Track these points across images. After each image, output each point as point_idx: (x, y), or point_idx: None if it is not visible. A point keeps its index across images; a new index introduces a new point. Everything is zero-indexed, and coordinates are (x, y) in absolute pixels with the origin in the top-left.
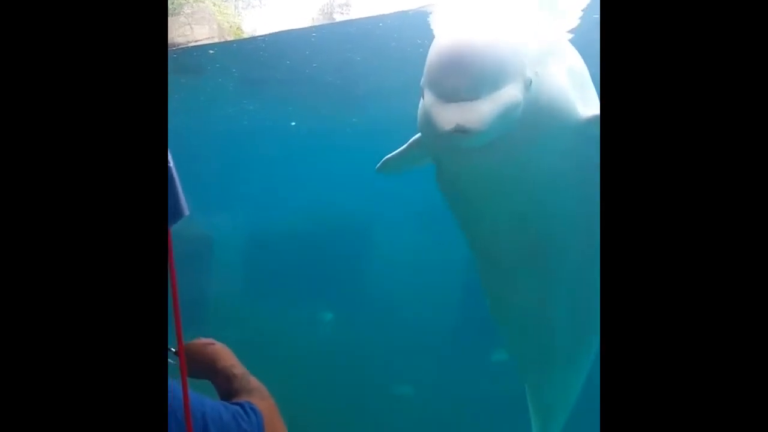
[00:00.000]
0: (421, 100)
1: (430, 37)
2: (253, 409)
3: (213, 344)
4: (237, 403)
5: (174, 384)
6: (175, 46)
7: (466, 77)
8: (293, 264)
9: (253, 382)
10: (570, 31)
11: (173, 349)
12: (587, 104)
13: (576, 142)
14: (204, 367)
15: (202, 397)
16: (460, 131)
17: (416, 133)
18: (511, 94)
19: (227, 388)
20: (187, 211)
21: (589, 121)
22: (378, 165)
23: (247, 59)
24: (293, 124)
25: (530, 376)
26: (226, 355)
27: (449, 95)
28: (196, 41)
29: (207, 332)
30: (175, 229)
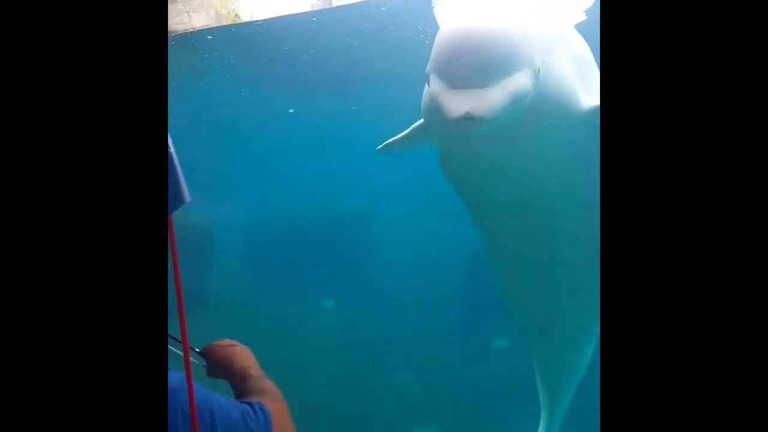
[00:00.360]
0: (426, 86)
1: (432, 22)
2: (262, 410)
3: (234, 346)
4: (247, 403)
5: (184, 379)
6: (173, 34)
7: (476, 63)
8: (293, 252)
9: (267, 383)
10: (577, 19)
11: (197, 349)
12: (593, 93)
13: (581, 130)
14: (222, 367)
15: (211, 394)
16: (469, 119)
17: (418, 120)
18: (520, 82)
19: (242, 388)
20: (188, 198)
21: (594, 110)
22: (379, 146)
23: (245, 45)
24: (291, 111)
25: (537, 351)
26: (244, 357)
27: (458, 82)
28: (193, 29)
29: (208, 322)
30: (175, 218)
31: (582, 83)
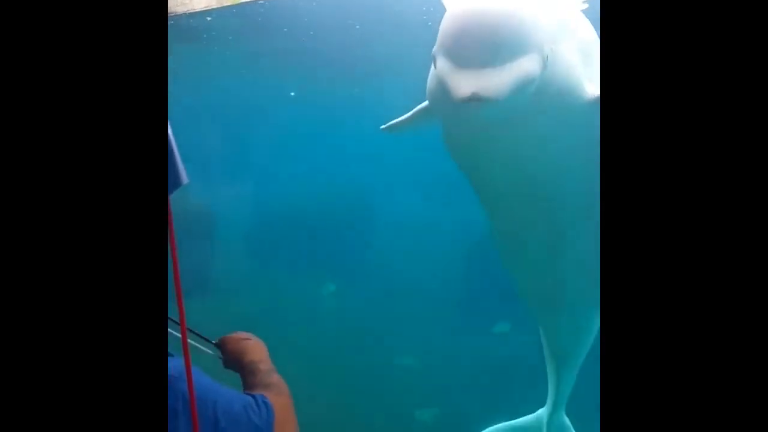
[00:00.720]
0: (432, 68)
1: (435, 4)
2: (265, 403)
3: (249, 339)
4: (251, 395)
5: (194, 370)
6: (173, 15)
7: (484, 44)
8: (295, 236)
9: (275, 378)
10: (585, 2)
11: (214, 341)
12: (597, 82)
13: (585, 119)
14: (234, 360)
15: (214, 384)
16: (476, 99)
17: (420, 103)
18: (529, 65)
19: (250, 381)
20: (185, 180)
21: (597, 100)
22: (384, 126)
23: (245, 26)
24: (292, 94)
25: (544, 322)
26: (255, 351)
27: (466, 62)
28: (194, 10)
29: (210, 307)
30: (175, 202)
31: (587, 72)
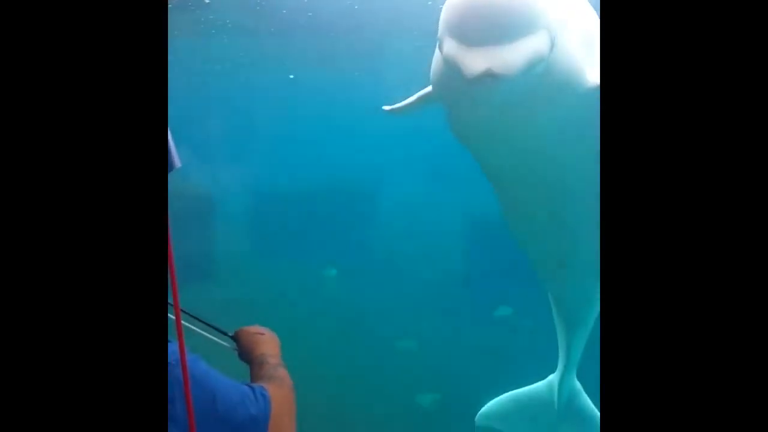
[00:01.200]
0: (437, 53)
1: None
2: (263, 395)
3: (262, 333)
4: (249, 386)
5: (191, 357)
6: None
7: (494, 21)
8: (295, 220)
9: (280, 372)
10: None
11: (230, 334)
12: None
13: (590, 102)
14: (245, 352)
15: (215, 374)
16: (490, 75)
17: (421, 84)
18: (538, 43)
19: (256, 373)
20: (179, 163)
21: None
22: (386, 107)
23: (243, 8)
24: (292, 77)
25: (552, 285)
26: (266, 345)
27: (476, 40)
28: None
29: (211, 291)
30: (174, 187)
31: (591, 57)
